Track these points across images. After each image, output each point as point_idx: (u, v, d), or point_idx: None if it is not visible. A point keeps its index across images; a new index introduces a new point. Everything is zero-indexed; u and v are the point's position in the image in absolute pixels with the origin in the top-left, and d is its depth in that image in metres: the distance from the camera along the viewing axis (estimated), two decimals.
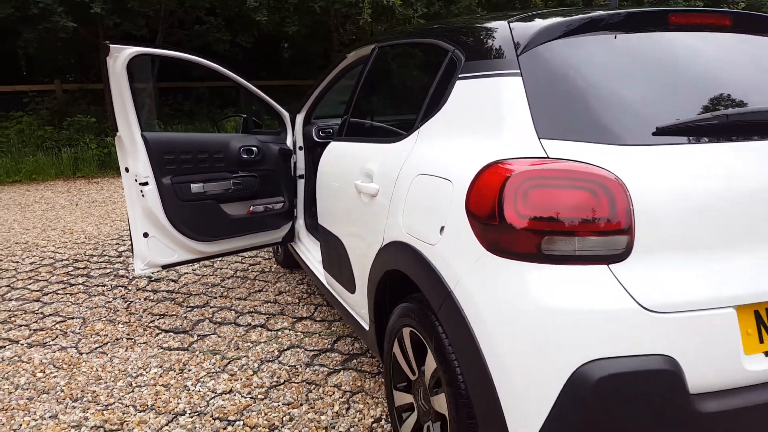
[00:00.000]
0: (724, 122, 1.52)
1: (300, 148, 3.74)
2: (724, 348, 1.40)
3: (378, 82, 2.72)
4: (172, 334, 3.24)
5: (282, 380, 2.70)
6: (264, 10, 10.25)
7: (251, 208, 3.45)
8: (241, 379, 2.73)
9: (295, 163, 3.72)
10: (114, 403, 2.54)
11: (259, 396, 2.57)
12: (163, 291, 3.92)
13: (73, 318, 3.50)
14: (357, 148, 2.52)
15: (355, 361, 2.88)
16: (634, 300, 1.36)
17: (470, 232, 1.53)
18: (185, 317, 3.46)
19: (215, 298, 3.78)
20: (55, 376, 2.79)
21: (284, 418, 2.39)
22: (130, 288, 4.01)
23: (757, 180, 1.49)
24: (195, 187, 3.20)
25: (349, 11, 9.71)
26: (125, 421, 2.40)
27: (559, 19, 1.73)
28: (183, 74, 11.49)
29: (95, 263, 4.62)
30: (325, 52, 13.13)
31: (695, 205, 1.43)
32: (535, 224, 1.40)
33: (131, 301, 3.75)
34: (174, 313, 3.54)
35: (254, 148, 3.42)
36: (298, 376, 2.74)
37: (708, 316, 1.38)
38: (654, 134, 1.49)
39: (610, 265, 1.39)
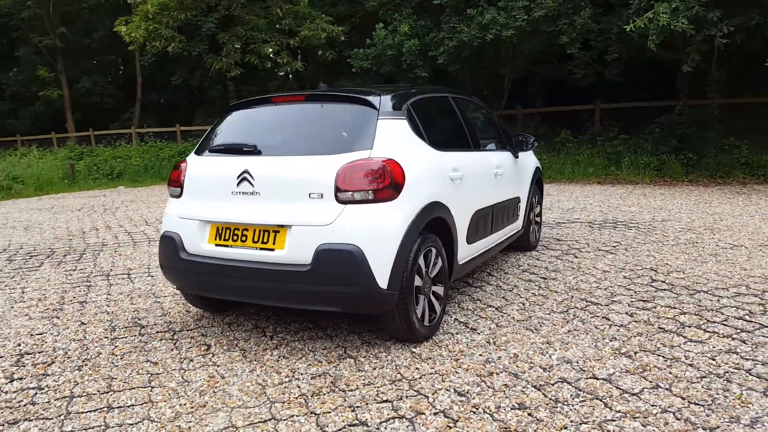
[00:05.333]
0: (225, 147, 3.43)
1: None
2: (197, 237, 3.28)
3: None
4: None
5: None
6: (577, 43, 11.18)
7: None
8: None
9: None
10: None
11: None
12: None
13: None
14: None
15: None
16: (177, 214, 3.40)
17: None
18: None
19: None
20: None
21: None
22: None
23: (272, 171, 3.13)
24: None
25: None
26: None
27: (237, 102, 3.72)
28: None
29: None
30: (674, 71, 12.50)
31: (209, 178, 3.33)
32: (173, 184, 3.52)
33: None
34: None
35: None
36: None
37: (190, 223, 3.31)
38: (209, 151, 3.48)
39: (177, 199, 3.44)
